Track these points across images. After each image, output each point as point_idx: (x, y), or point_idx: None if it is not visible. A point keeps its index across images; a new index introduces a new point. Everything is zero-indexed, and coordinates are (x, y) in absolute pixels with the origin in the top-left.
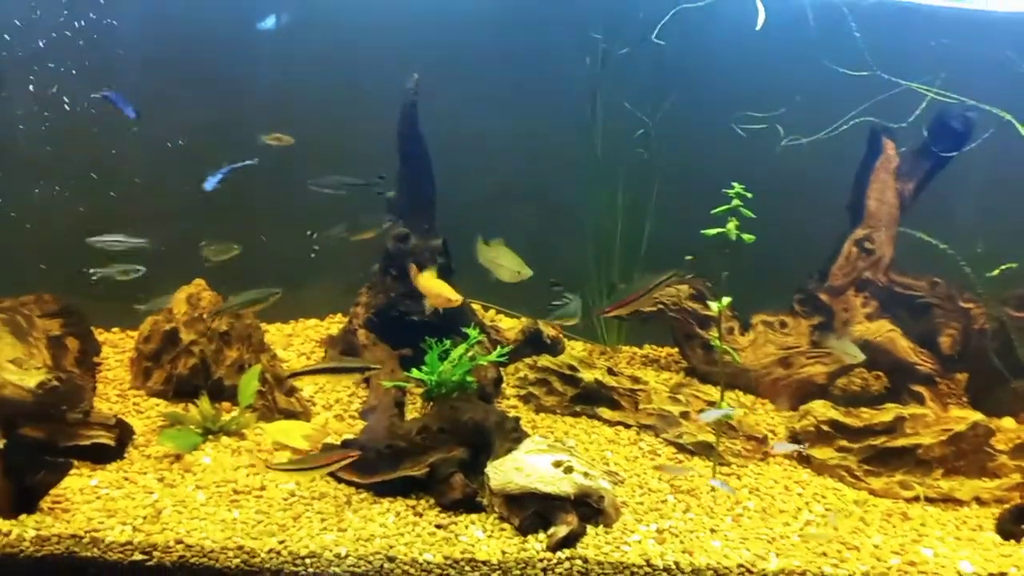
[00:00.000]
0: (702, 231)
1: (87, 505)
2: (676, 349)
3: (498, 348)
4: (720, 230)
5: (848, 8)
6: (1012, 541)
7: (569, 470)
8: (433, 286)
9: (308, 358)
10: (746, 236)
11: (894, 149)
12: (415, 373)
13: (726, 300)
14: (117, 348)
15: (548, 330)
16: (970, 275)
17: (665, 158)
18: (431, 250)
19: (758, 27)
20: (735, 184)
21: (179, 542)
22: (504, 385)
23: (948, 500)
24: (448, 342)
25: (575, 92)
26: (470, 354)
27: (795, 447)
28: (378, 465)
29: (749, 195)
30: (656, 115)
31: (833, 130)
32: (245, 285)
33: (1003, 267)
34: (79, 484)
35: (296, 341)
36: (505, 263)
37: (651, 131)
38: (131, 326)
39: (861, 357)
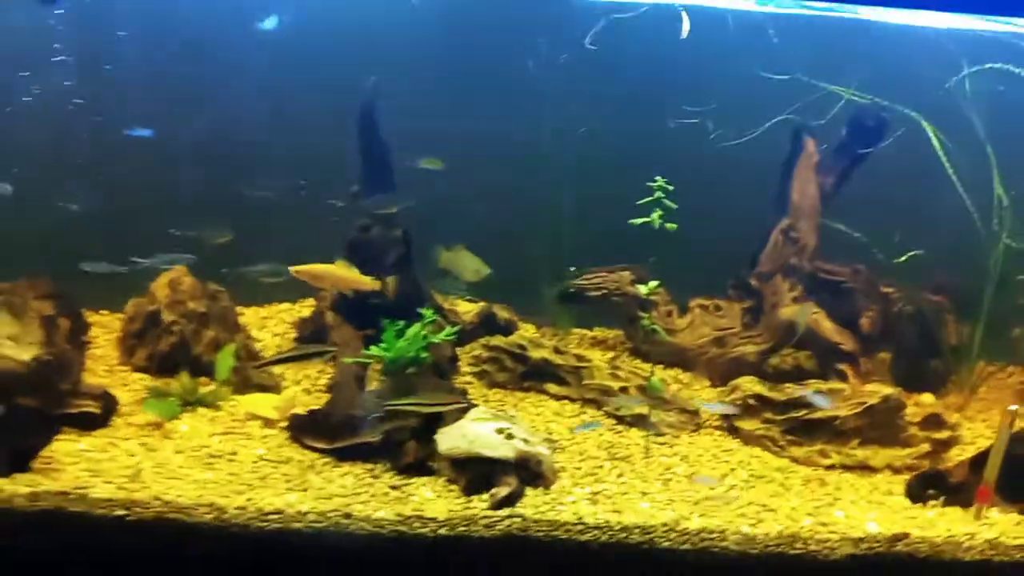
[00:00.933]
0: (629, 220)
1: (74, 466)
2: (622, 331)
3: (446, 328)
4: (645, 220)
5: (770, 19)
6: (919, 504)
7: (510, 437)
8: (332, 274)
9: (282, 338)
10: (669, 225)
11: (814, 146)
12: (373, 350)
13: (653, 284)
14: (106, 328)
15: (502, 313)
16: (883, 261)
17: (610, 156)
18: (392, 240)
19: (683, 35)
20: (658, 178)
21: (157, 499)
22: (459, 363)
23: (863, 468)
24: (401, 323)
25: (524, 93)
26: (424, 333)
27: (726, 408)
28: (339, 432)
29: (671, 187)
30: (598, 115)
31: (758, 131)
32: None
33: (910, 254)
34: (68, 448)
35: (271, 323)
36: (467, 264)
37: (596, 129)
38: (119, 308)
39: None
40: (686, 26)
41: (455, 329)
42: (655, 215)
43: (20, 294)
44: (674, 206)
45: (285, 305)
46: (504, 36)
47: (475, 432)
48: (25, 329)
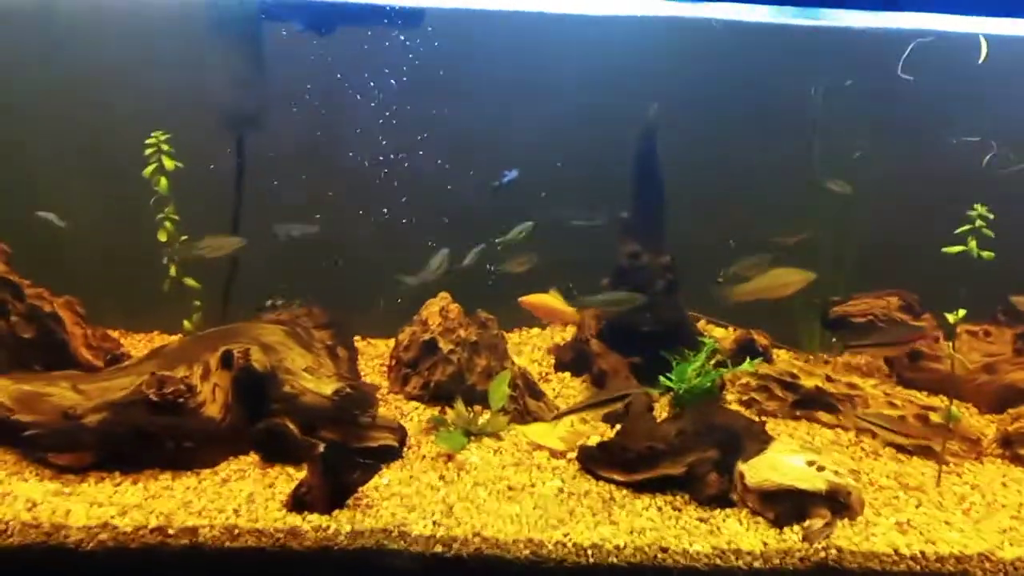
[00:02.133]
0: (943, 249)
1: (386, 502)
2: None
3: (749, 360)
4: (962, 248)
5: None
6: None
7: (821, 469)
8: (546, 304)
9: (540, 364)
10: (985, 253)
11: None
12: (664, 381)
13: (962, 312)
14: (364, 355)
15: (760, 339)
16: None
17: (887, 180)
18: (660, 266)
19: (980, 60)
20: (977, 206)
21: (476, 535)
22: (725, 391)
23: None
24: (697, 354)
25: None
26: (712, 362)
27: None
28: (638, 464)
29: (991, 216)
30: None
31: None
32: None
33: None
34: (374, 482)
35: (525, 349)
36: (791, 278)
37: (867, 154)
38: (370, 334)
39: None
40: (983, 52)
41: (757, 361)
42: (972, 243)
43: (302, 324)
44: (991, 234)
45: (536, 330)
46: (787, 61)
47: (786, 464)
48: (317, 360)
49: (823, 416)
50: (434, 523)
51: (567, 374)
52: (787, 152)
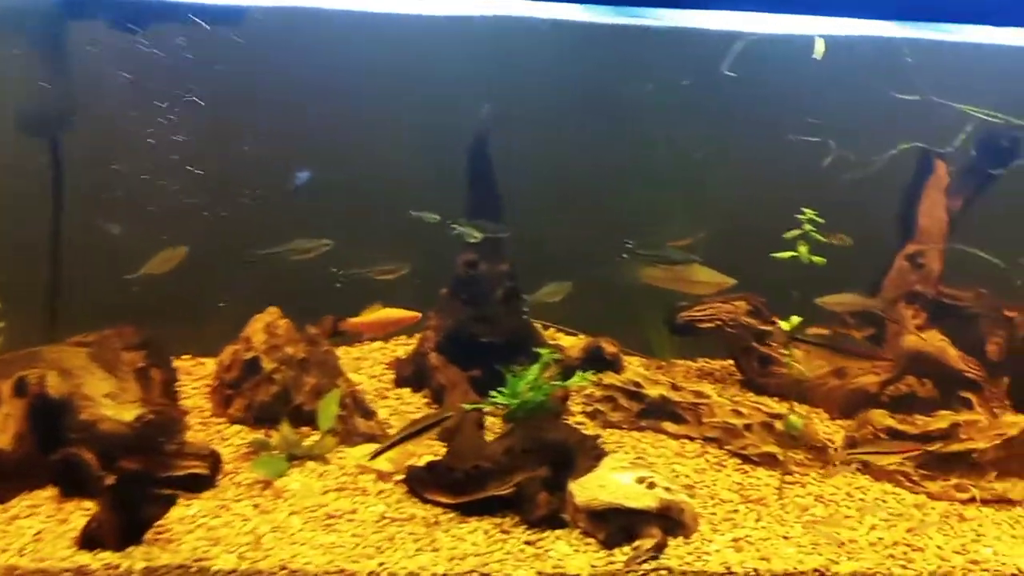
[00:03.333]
0: (771, 254)
1: (190, 535)
2: (729, 361)
3: (580, 373)
4: (792, 254)
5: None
6: None
7: (652, 485)
8: (380, 317)
9: (379, 380)
10: (816, 259)
11: (945, 169)
12: (497, 397)
13: (795, 319)
14: (192, 375)
15: (608, 347)
16: (1020, 285)
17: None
18: (499, 275)
19: (816, 56)
20: (806, 210)
21: (283, 568)
22: (569, 402)
23: (1001, 501)
24: (528, 369)
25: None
26: (547, 375)
27: None
28: (465, 485)
29: (822, 221)
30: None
31: (888, 154)
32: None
33: None
34: (179, 514)
35: (365, 364)
36: (703, 278)
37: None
38: (203, 352)
39: None
40: (819, 48)
41: (589, 375)
42: (802, 248)
43: (108, 345)
44: (823, 239)
45: (377, 344)
46: (625, 61)
47: (615, 482)
48: (121, 385)
49: (669, 426)
50: (239, 556)
51: (407, 390)
52: (626, 153)
